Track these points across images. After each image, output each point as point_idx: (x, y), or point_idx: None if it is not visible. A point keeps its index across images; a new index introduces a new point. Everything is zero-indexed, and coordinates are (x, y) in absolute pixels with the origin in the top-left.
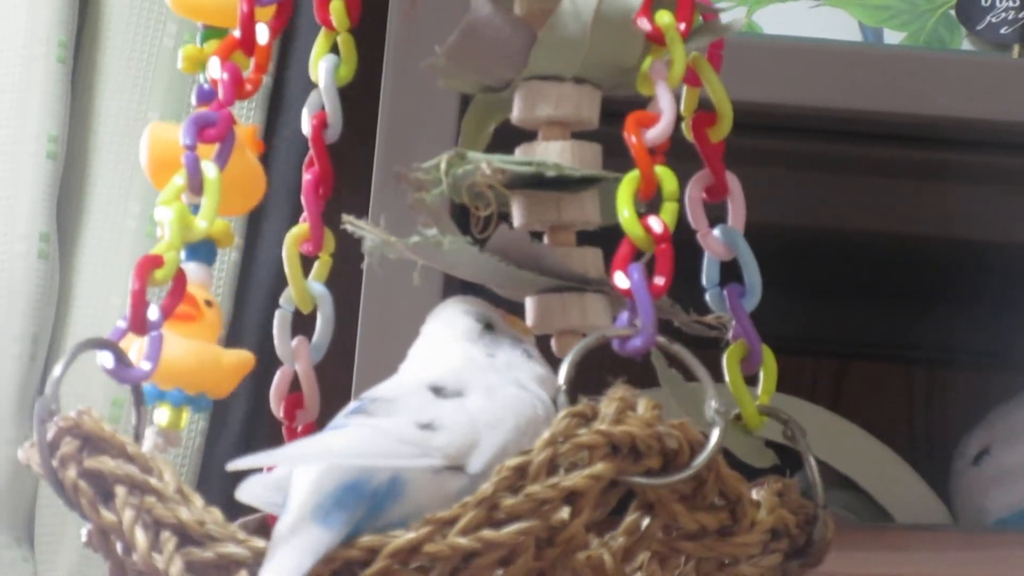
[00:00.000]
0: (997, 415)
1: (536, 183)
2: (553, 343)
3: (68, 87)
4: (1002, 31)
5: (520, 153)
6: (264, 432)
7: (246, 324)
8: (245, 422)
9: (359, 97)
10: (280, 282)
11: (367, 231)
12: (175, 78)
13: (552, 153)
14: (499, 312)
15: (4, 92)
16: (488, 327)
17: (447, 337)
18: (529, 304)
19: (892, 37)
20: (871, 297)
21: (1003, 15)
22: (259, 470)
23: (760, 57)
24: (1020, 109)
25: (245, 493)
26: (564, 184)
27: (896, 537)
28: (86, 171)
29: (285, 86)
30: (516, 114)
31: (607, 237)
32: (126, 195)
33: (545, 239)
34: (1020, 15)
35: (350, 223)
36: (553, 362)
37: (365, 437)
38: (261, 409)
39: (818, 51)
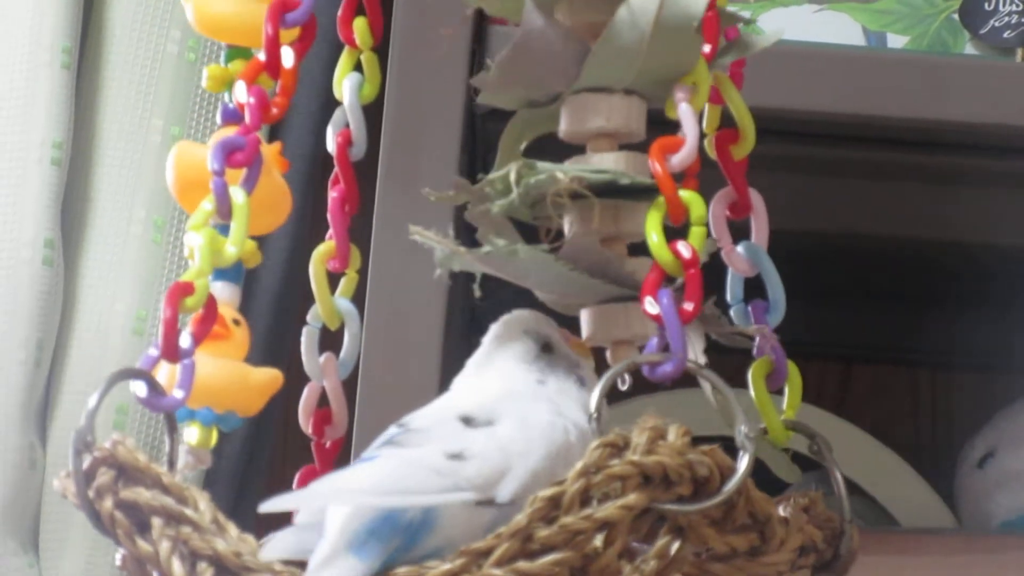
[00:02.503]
0: (1002, 418)
1: (599, 193)
2: (608, 354)
3: (72, 93)
4: (1005, 35)
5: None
6: (268, 441)
7: (251, 331)
8: (249, 431)
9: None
10: (285, 289)
11: (436, 242)
12: (179, 84)
13: (608, 164)
14: (561, 332)
15: (8, 99)
16: (546, 348)
17: (498, 360)
18: (586, 315)
19: (895, 41)
20: (876, 300)
21: (1007, 19)
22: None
23: (762, 61)
24: None
25: (275, 549)
26: (625, 194)
27: (901, 541)
28: (90, 177)
29: None
30: (564, 127)
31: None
32: (131, 201)
33: None
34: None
35: (418, 234)
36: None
37: (394, 471)
38: (265, 418)
39: (821, 56)
